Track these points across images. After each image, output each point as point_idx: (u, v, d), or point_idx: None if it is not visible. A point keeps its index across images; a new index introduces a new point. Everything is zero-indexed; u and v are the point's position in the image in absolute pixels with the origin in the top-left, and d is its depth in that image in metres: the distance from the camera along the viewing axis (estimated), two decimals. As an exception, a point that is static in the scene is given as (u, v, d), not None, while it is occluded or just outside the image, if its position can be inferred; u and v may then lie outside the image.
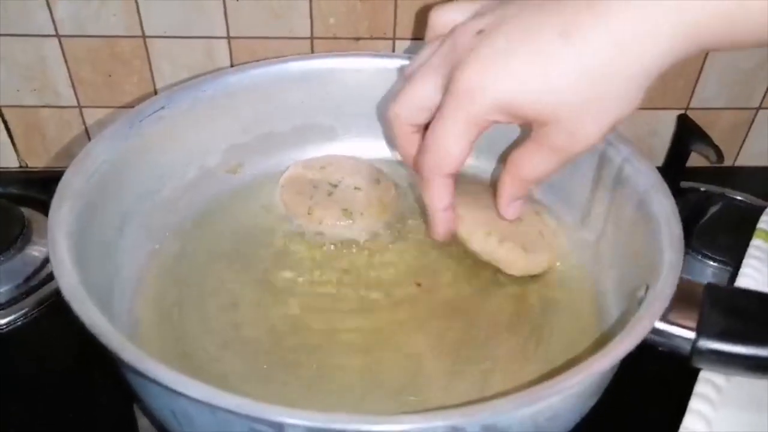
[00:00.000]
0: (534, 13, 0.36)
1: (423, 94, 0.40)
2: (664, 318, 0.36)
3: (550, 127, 0.36)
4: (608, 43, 0.33)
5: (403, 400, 0.40)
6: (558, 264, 0.49)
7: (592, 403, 0.39)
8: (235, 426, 0.32)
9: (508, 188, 0.42)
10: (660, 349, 0.37)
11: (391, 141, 0.42)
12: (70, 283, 0.35)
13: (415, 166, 0.42)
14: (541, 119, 0.36)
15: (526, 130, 0.39)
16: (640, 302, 0.38)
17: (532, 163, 0.39)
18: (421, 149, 0.41)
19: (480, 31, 0.37)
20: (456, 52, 0.38)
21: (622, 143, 0.47)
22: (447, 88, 0.38)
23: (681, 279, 0.38)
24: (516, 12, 0.36)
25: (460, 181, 0.42)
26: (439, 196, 0.42)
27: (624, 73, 0.34)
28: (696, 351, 0.37)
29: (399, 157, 0.45)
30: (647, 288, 0.38)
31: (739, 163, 0.69)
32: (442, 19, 0.41)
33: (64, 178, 0.41)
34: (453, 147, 0.39)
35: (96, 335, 0.33)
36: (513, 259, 0.46)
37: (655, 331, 0.36)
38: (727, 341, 0.36)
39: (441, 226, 0.44)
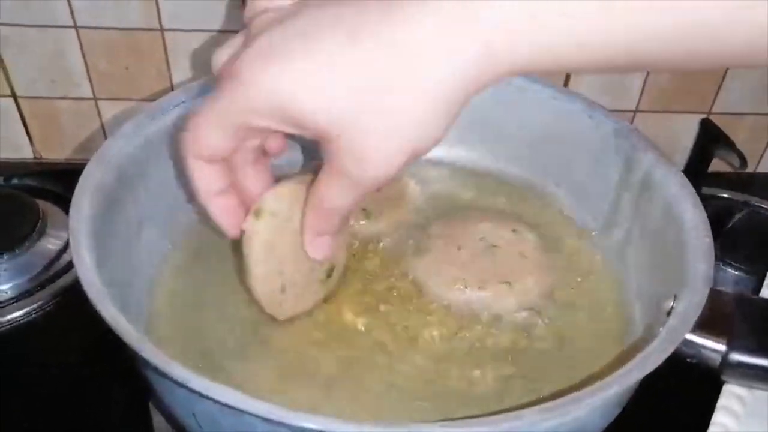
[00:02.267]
0: (335, 6, 0.30)
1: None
2: (694, 329, 0.36)
3: (334, 146, 0.31)
4: (395, 50, 0.28)
5: (418, 406, 0.40)
6: (585, 271, 0.48)
7: (615, 414, 0.38)
8: (257, 428, 0.31)
9: (310, 221, 0.37)
10: (688, 360, 0.37)
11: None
12: (92, 282, 0.35)
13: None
14: (321, 134, 0.31)
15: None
16: (668, 312, 0.37)
17: (329, 191, 0.34)
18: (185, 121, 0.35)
19: (270, 22, 0.32)
20: (246, 39, 0.33)
21: (649, 147, 0.46)
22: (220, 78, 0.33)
23: (711, 290, 0.37)
24: (316, 5, 0.31)
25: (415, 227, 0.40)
26: (200, 179, 0.36)
27: (415, 88, 0.29)
28: (726, 364, 0.36)
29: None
30: (675, 298, 0.38)
31: (762, 169, 0.68)
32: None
33: (84, 172, 0.41)
34: (207, 137, 0.33)
35: (120, 335, 0.33)
36: (502, 301, 0.44)
37: (686, 343, 0.35)
38: (758, 355, 0.36)
39: (220, 216, 0.37)
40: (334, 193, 0.33)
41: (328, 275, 0.43)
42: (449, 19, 0.28)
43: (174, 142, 0.40)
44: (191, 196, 0.39)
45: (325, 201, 0.34)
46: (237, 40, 0.34)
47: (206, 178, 0.36)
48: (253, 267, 0.38)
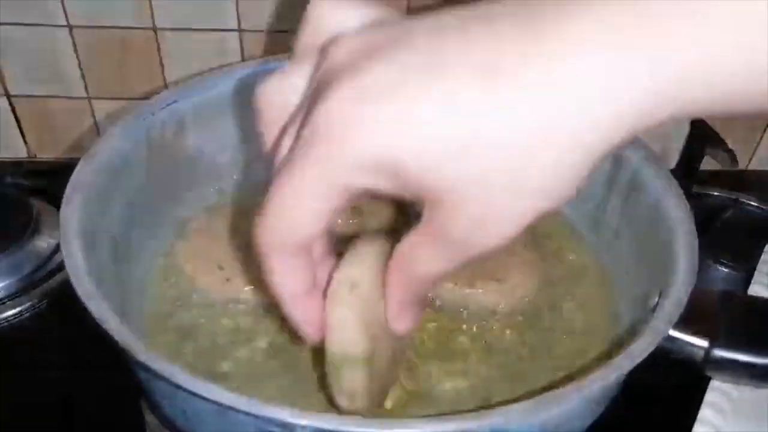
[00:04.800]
0: (452, 35, 0.24)
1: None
2: (677, 326, 0.36)
3: (448, 209, 0.25)
4: (550, 97, 0.23)
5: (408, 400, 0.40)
6: (573, 267, 0.48)
7: (601, 409, 0.38)
8: (246, 426, 0.31)
9: (397, 292, 0.30)
10: (672, 356, 0.37)
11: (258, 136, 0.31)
12: (83, 280, 0.35)
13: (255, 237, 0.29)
14: (434, 195, 0.25)
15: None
16: (652, 309, 0.38)
17: (422, 258, 0.28)
18: (260, 208, 0.28)
19: (367, 51, 0.25)
20: (330, 69, 0.26)
21: (637, 146, 0.47)
22: (304, 124, 0.26)
23: (695, 286, 0.37)
24: (427, 29, 0.25)
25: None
26: (283, 275, 0.29)
27: (565, 143, 0.24)
28: (709, 359, 0.36)
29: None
30: (660, 294, 0.38)
31: (752, 167, 0.69)
32: (325, 20, 0.28)
33: (76, 171, 0.41)
34: (300, 215, 0.27)
35: (111, 334, 0.33)
36: (491, 298, 0.44)
37: (668, 339, 0.36)
38: (740, 350, 0.36)
39: (301, 317, 0.31)
40: (433, 258, 0.28)
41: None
42: (621, 54, 0.22)
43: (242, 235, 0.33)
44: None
45: (417, 269, 0.28)
46: (294, 75, 0.28)
47: (293, 276, 0.29)
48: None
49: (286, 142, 0.28)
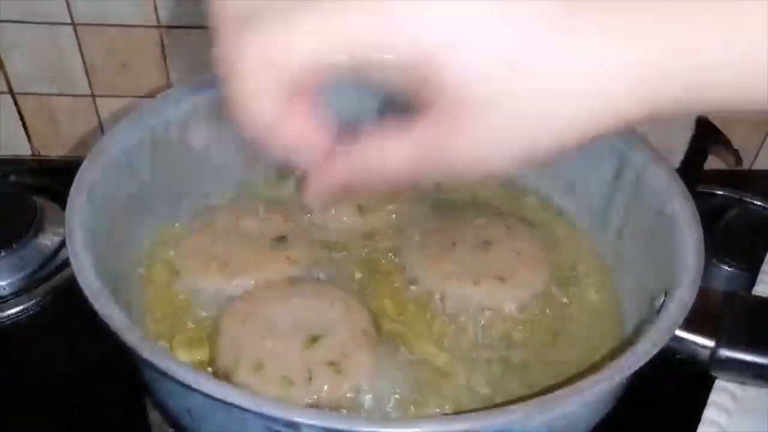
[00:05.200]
0: None
1: None
2: (683, 326, 0.36)
3: (460, 117, 0.25)
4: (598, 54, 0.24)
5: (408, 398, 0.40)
6: (578, 268, 0.48)
7: (607, 409, 0.38)
8: (251, 424, 0.31)
9: (337, 174, 0.29)
10: (678, 356, 0.37)
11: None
12: (88, 278, 0.35)
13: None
14: (457, 96, 0.25)
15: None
16: (658, 309, 0.38)
17: (392, 153, 0.27)
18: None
19: None
20: None
21: (643, 146, 0.47)
22: None
23: (700, 286, 0.37)
24: None
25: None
26: (261, 105, 0.27)
27: (593, 104, 0.25)
28: (715, 360, 0.36)
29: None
30: (665, 294, 0.38)
31: (757, 167, 0.69)
32: None
33: (80, 170, 0.41)
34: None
35: (117, 332, 0.33)
36: (496, 296, 0.44)
37: (675, 339, 0.36)
38: (746, 350, 0.36)
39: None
40: (407, 157, 0.27)
41: None
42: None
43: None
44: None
45: (378, 160, 0.27)
46: None
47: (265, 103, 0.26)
48: None
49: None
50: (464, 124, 0.25)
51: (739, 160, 0.59)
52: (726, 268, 0.54)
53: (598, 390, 0.33)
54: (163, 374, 0.31)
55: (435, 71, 0.24)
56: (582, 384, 0.32)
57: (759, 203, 0.61)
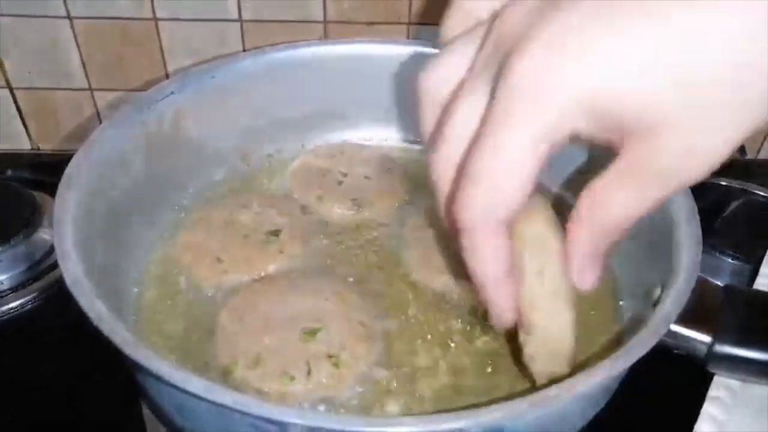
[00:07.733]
0: None
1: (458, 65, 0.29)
2: (680, 320, 0.35)
3: (654, 138, 0.25)
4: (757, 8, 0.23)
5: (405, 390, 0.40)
6: None
7: (601, 405, 0.38)
8: (241, 424, 0.31)
9: (584, 244, 0.28)
10: (675, 352, 0.36)
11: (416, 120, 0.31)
12: (75, 276, 0.35)
13: (448, 214, 0.29)
14: (643, 124, 0.25)
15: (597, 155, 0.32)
16: (654, 303, 0.37)
17: (619, 200, 0.27)
18: (458, 185, 0.27)
19: (538, 11, 0.26)
20: (505, 37, 0.26)
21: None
22: (497, 89, 0.26)
23: (699, 279, 0.37)
24: None
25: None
26: (494, 255, 0.28)
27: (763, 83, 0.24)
28: (712, 355, 0.36)
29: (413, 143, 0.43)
30: (662, 288, 0.37)
31: (761, 157, 0.68)
32: (474, 3, 0.30)
33: (71, 164, 0.41)
34: (514, 174, 0.26)
35: (102, 331, 0.33)
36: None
37: (670, 334, 0.35)
38: (744, 346, 0.35)
39: (504, 302, 0.30)
40: (630, 201, 0.27)
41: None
42: None
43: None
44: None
45: (613, 214, 0.27)
46: (455, 55, 0.29)
47: (496, 255, 0.28)
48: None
49: (458, 118, 0.28)
50: (659, 138, 0.25)
51: (743, 150, 0.58)
52: (728, 260, 0.53)
53: (592, 386, 0.33)
54: (151, 374, 0.31)
55: (606, 119, 0.25)
56: (576, 379, 0.32)
57: (763, 193, 0.60)
